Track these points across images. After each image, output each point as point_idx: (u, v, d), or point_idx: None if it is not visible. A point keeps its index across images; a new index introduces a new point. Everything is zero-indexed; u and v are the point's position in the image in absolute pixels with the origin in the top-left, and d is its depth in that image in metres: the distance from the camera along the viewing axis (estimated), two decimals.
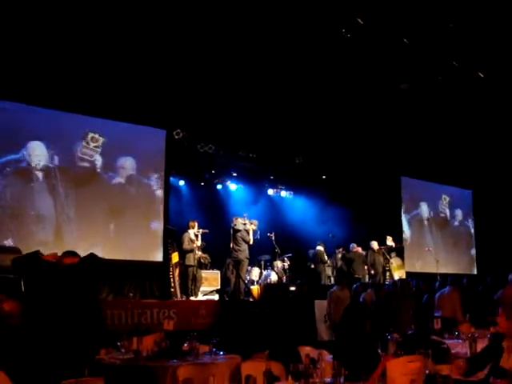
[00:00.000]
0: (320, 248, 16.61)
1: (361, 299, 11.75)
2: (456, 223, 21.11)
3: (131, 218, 13.40)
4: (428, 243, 19.34)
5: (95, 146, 13.08)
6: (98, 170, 13.17)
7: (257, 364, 5.98)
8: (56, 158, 12.55)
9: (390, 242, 17.29)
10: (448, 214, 20.80)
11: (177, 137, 14.70)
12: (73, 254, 5.09)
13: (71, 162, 12.78)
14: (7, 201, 11.88)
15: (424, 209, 19.95)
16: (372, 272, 16.45)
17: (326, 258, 16.77)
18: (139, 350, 6.82)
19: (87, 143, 12.97)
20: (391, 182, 18.77)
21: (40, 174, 12.35)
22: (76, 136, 12.89)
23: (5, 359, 5.07)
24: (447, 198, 20.69)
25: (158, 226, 13.77)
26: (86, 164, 12.99)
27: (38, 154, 12.34)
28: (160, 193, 13.94)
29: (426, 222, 19.97)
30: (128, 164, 13.56)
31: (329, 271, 17.41)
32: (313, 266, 16.99)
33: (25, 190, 12.14)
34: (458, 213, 21.14)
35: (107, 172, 13.29)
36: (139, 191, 13.65)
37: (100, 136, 13.09)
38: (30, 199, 12.18)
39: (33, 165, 12.27)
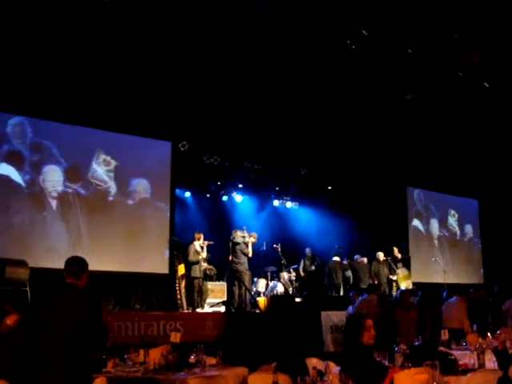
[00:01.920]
0: (336, 259, 16.47)
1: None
2: (465, 239, 21.04)
3: (141, 236, 13.44)
4: (435, 255, 19.26)
5: (108, 170, 13.17)
6: (112, 194, 13.25)
7: (264, 376, 5.97)
8: (71, 183, 12.64)
9: (396, 252, 17.20)
10: (457, 229, 20.76)
11: (182, 149, 14.74)
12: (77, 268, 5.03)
13: (84, 185, 12.86)
14: (17, 228, 11.86)
15: (434, 225, 19.94)
16: (376, 283, 16.36)
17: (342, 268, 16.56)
18: (146, 362, 6.83)
19: (98, 164, 13.05)
20: (397, 193, 18.77)
21: (54, 202, 12.37)
22: (86, 155, 12.96)
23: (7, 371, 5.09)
24: (455, 214, 20.66)
25: (165, 238, 13.78)
26: (98, 186, 13.06)
27: (54, 179, 12.41)
28: (167, 208, 13.96)
29: (435, 238, 19.94)
30: (140, 184, 13.66)
31: None
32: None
33: (37, 218, 12.14)
34: (468, 229, 21.09)
35: (121, 194, 13.37)
36: (149, 209, 13.71)
37: (112, 159, 13.19)
38: (42, 228, 12.16)
39: (47, 191, 12.32)
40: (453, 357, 6.51)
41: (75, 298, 4.79)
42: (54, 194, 12.37)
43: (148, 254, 13.42)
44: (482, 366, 6.50)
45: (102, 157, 13.09)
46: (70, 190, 12.58)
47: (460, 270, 19.91)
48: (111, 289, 12.80)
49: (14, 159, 11.91)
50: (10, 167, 11.85)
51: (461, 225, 20.87)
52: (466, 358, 6.88)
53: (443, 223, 20.30)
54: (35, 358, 4.58)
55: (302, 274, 16.87)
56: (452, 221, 20.61)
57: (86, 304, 4.78)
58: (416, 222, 19.37)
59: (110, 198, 13.22)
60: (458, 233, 20.81)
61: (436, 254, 19.45)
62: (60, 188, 12.47)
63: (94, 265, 12.14)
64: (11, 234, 11.69)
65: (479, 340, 7.32)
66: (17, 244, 11.66)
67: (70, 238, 12.48)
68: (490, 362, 6.57)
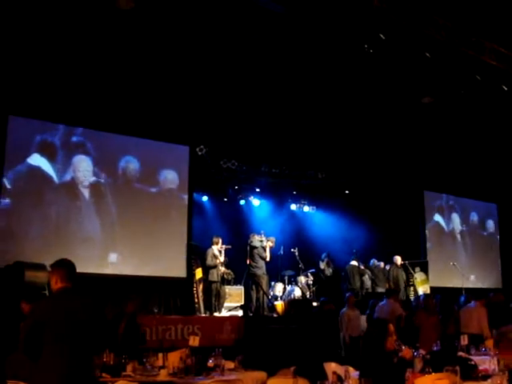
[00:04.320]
0: (354, 263, 16.42)
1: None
2: (485, 234, 21.00)
3: (160, 240, 13.49)
4: (454, 257, 19.16)
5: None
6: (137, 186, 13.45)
7: (283, 380, 5.98)
8: (103, 175, 12.93)
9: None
10: (473, 228, 20.69)
11: (200, 153, 14.77)
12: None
13: (116, 178, 13.16)
14: (53, 218, 12.14)
15: (456, 221, 19.95)
16: (393, 287, 16.28)
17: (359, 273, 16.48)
18: (165, 366, 6.86)
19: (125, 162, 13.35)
20: (414, 197, 18.70)
21: (87, 192, 12.65)
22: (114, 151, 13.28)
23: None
24: (475, 217, 20.60)
25: (183, 242, 13.81)
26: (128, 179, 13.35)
27: (84, 169, 12.69)
28: (184, 212, 14.02)
29: (458, 236, 19.97)
30: (167, 178, 13.89)
31: None
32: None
33: (71, 208, 12.43)
34: (489, 225, 21.06)
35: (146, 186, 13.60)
36: (168, 213, 13.78)
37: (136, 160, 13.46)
38: (76, 218, 12.44)
39: (79, 181, 12.60)
40: (473, 362, 6.48)
41: (77, 301, 4.81)
42: (86, 184, 12.66)
43: (166, 257, 13.45)
44: None
45: (127, 158, 13.35)
46: (102, 180, 12.93)
47: (478, 274, 19.81)
48: (129, 292, 12.84)
49: (46, 150, 12.20)
50: (42, 159, 12.14)
51: (480, 228, 20.80)
52: (485, 363, 6.82)
53: (463, 225, 20.27)
54: (40, 360, 4.59)
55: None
56: (470, 225, 20.54)
57: (90, 307, 4.81)
58: (438, 218, 19.37)
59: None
60: (478, 233, 20.77)
61: (459, 252, 19.46)
62: (91, 178, 12.76)
63: (112, 268, 12.46)
64: (47, 225, 12.01)
65: None
66: (53, 235, 12.01)
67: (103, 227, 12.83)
68: None
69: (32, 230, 11.75)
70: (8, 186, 11.60)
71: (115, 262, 12.76)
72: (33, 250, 11.43)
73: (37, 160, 12.05)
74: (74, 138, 12.60)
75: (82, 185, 12.61)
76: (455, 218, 20.00)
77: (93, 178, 12.79)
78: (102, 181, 12.90)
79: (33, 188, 11.99)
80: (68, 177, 12.44)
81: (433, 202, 19.44)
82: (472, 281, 18.64)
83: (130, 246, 13.03)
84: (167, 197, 13.80)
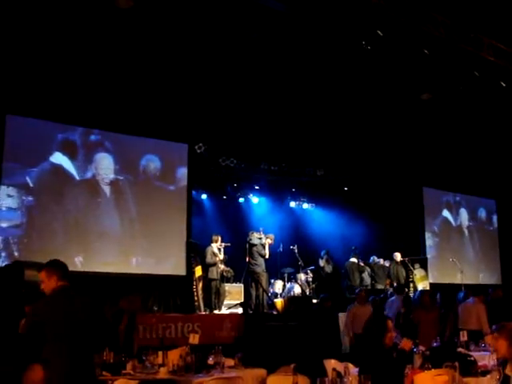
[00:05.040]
0: (354, 260, 16.42)
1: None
2: (491, 228, 21.09)
3: (159, 238, 13.52)
4: (460, 253, 19.22)
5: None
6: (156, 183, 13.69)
7: (283, 378, 5.99)
8: (123, 172, 13.16)
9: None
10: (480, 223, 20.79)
11: (199, 151, 14.77)
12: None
13: (135, 175, 13.39)
14: (72, 213, 12.35)
15: (464, 216, 20.08)
16: (395, 284, 16.30)
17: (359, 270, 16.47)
18: (165, 364, 6.86)
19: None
20: (413, 193, 18.69)
21: (107, 188, 12.84)
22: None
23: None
24: (481, 210, 20.69)
25: (182, 240, 13.81)
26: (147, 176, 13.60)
27: (105, 166, 12.90)
28: (184, 210, 14.03)
29: (465, 231, 20.07)
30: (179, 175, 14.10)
31: None
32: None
33: (91, 204, 12.64)
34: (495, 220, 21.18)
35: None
36: (167, 211, 13.79)
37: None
38: (95, 214, 12.64)
39: (99, 178, 12.80)
40: (472, 358, 6.49)
41: (76, 301, 4.82)
42: (107, 181, 12.89)
43: (165, 255, 13.45)
44: None
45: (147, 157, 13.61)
46: (123, 179, 13.14)
47: (485, 270, 19.87)
48: (128, 290, 12.84)
49: (67, 149, 12.43)
50: (64, 157, 12.37)
51: (487, 223, 20.89)
52: (485, 359, 6.84)
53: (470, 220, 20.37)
54: (42, 356, 4.60)
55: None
56: (478, 220, 20.63)
57: (88, 306, 4.83)
58: (446, 213, 19.49)
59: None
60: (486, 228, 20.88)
61: (467, 247, 19.61)
62: (112, 176, 12.98)
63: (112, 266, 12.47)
64: (68, 221, 12.23)
65: None
66: (73, 230, 12.25)
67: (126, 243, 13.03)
68: None
69: (54, 226, 12.03)
70: (31, 185, 11.84)
71: (115, 261, 12.76)
72: (55, 244, 11.81)
73: (58, 158, 12.31)
74: (93, 137, 12.84)
75: (103, 182, 12.82)
76: (463, 213, 20.06)
77: (112, 176, 13.01)
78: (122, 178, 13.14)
79: (55, 185, 12.24)
80: (89, 174, 12.67)
81: (440, 198, 19.49)
82: (470, 278, 18.63)
83: (129, 246, 13.04)
84: (167, 195, 13.82)
